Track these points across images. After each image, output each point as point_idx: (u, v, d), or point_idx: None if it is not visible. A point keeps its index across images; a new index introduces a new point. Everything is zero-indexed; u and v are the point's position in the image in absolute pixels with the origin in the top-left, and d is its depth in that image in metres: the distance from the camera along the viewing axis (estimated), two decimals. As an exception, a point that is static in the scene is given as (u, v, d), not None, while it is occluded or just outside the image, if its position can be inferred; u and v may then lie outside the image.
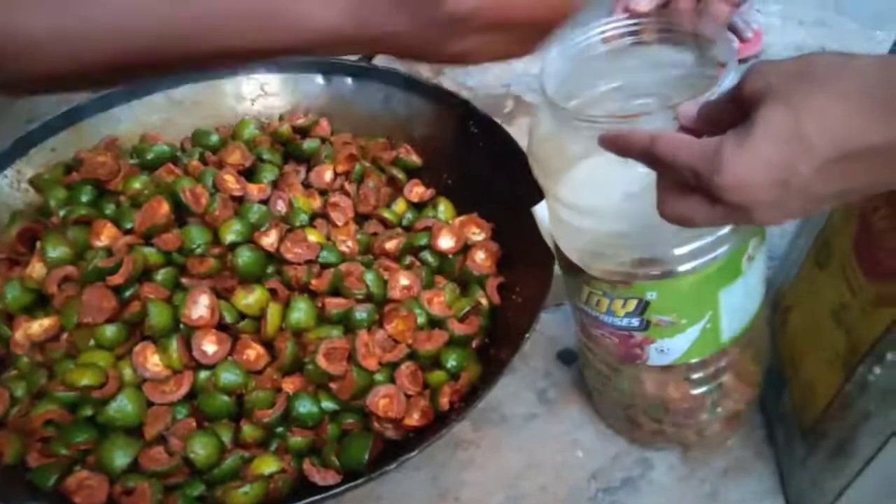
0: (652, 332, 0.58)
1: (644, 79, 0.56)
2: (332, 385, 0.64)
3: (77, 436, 0.60)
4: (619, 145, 0.45)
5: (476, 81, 1.16)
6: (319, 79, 0.89)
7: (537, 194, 0.72)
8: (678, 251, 0.53)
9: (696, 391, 0.65)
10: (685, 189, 0.42)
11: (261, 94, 0.90)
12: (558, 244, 0.60)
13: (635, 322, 0.57)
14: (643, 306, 0.56)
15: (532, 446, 0.73)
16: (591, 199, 0.53)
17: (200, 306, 0.65)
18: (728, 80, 0.47)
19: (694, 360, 0.61)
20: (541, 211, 0.61)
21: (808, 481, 0.65)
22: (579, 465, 0.71)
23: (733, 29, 1.08)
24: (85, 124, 0.83)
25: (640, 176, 0.47)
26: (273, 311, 0.66)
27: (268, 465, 0.60)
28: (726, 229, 0.53)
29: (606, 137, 0.46)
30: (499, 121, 0.83)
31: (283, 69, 0.90)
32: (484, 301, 0.72)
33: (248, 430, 0.62)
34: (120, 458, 0.58)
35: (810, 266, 0.66)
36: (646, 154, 0.43)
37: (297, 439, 0.62)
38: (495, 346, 0.69)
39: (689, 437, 0.69)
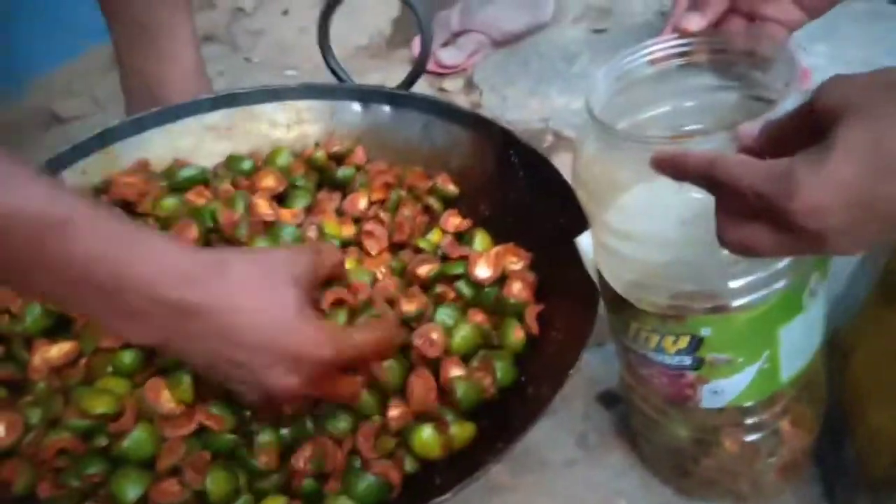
0: (705, 372, 0.54)
1: (694, 102, 0.54)
2: None
3: (89, 467, 0.57)
4: (674, 168, 0.42)
5: (514, 116, 1.15)
6: (357, 106, 0.87)
7: (581, 225, 0.69)
8: (734, 284, 0.50)
9: (750, 437, 0.60)
10: (747, 215, 0.39)
11: (296, 121, 0.88)
12: (603, 276, 0.57)
13: (687, 360, 0.53)
14: (696, 343, 0.52)
15: (572, 494, 0.68)
16: (641, 226, 0.50)
17: None
18: (790, 101, 0.44)
19: (749, 403, 0.57)
20: (584, 242, 0.58)
21: (872, 540, 0.60)
22: (622, 516, 0.67)
23: None
24: (117, 147, 0.82)
25: (696, 202, 0.45)
26: None
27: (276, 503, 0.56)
28: (787, 262, 0.49)
29: (660, 159, 0.43)
30: (538, 152, 0.80)
31: (320, 96, 0.88)
32: (521, 334, 0.69)
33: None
34: (132, 491, 0.55)
35: (876, 303, 0.62)
36: (705, 177, 0.40)
37: (308, 481, 0.59)
38: (533, 383, 0.65)
39: (741, 488, 0.65)
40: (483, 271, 0.71)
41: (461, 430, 0.61)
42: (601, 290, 0.59)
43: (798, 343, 0.55)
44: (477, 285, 0.71)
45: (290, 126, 0.88)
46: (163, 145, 0.84)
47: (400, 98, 0.87)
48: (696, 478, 0.64)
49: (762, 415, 0.59)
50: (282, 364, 0.49)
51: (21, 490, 0.57)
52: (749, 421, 0.59)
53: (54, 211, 0.43)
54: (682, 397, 0.57)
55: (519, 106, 1.16)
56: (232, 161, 0.83)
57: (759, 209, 0.38)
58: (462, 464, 0.59)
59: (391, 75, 1.20)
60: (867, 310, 0.63)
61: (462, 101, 1.19)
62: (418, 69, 0.88)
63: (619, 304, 0.55)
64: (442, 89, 1.22)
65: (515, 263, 0.73)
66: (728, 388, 0.55)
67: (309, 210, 0.78)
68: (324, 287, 0.64)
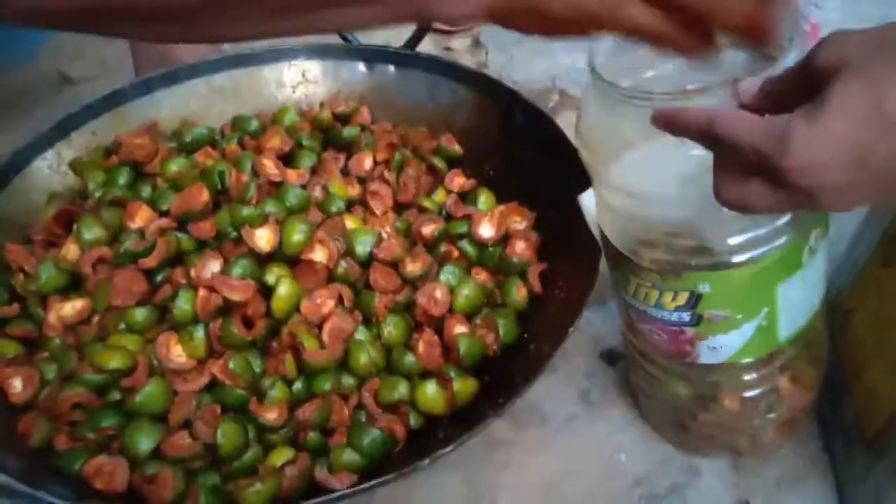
0: (704, 328, 0.55)
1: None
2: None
3: (104, 420, 0.58)
4: (674, 124, 0.42)
5: (521, 75, 1.14)
6: (362, 66, 0.87)
7: (584, 185, 0.69)
8: (734, 240, 0.50)
9: (749, 394, 0.61)
10: (745, 171, 0.39)
11: (302, 82, 0.88)
12: (605, 233, 0.57)
13: (686, 317, 0.54)
14: (695, 300, 0.53)
15: (573, 449, 0.70)
16: (642, 184, 0.50)
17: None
18: (791, 57, 0.44)
19: (747, 360, 0.58)
20: (587, 200, 0.59)
21: (869, 495, 0.61)
22: (622, 471, 0.68)
23: None
24: (126, 108, 0.82)
25: (696, 158, 0.45)
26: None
27: (283, 455, 0.58)
28: (786, 218, 0.50)
29: (660, 115, 0.43)
30: (543, 112, 0.80)
31: (325, 56, 0.88)
32: (523, 292, 0.70)
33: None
34: (144, 443, 0.57)
35: (876, 265, 0.62)
36: (704, 133, 0.40)
37: (313, 435, 0.60)
38: (535, 340, 0.66)
39: (740, 443, 0.66)
40: (486, 231, 0.71)
41: (464, 386, 0.62)
42: (603, 246, 0.59)
43: (797, 301, 0.56)
44: (480, 244, 0.72)
45: (295, 86, 0.88)
46: (171, 106, 0.84)
47: (405, 58, 0.87)
48: (694, 433, 0.65)
49: (760, 372, 0.60)
50: None
51: (38, 443, 0.59)
52: (747, 377, 0.60)
53: None
54: (680, 353, 0.58)
55: (525, 65, 1.16)
56: (239, 121, 0.84)
57: (756, 166, 0.38)
58: (464, 418, 0.60)
59: (396, 34, 1.19)
60: (868, 272, 0.63)
61: (468, 60, 1.19)
62: (423, 29, 0.88)
63: (620, 261, 0.56)
64: (448, 48, 1.22)
65: (519, 223, 0.74)
66: (726, 344, 0.56)
67: (314, 170, 0.78)
68: None
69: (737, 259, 0.50)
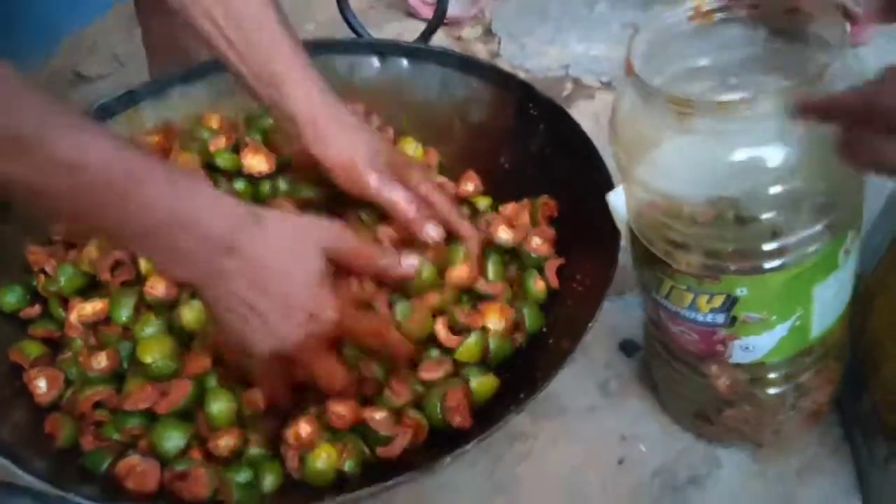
0: (738, 330, 0.55)
1: (733, 56, 0.53)
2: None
3: (129, 420, 0.59)
4: (829, 109, 0.42)
5: (533, 64, 1.14)
6: (375, 60, 0.87)
7: (603, 179, 0.69)
8: (771, 245, 0.50)
9: (775, 390, 0.61)
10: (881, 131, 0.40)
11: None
12: (637, 233, 0.57)
13: (721, 318, 0.54)
14: (731, 302, 0.53)
15: (592, 440, 0.70)
16: (678, 184, 0.50)
17: None
18: (839, 62, 0.44)
19: (777, 359, 0.58)
20: (615, 198, 0.58)
21: (889, 484, 0.61)
22: (642, 461, 0.68)
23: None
24: (141, 108, 0.83)
25: (731, 163, 0.45)
26: None
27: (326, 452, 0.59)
28: (824, 223, 0.50)
29: (805, 104, 0.43)
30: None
31: (338, 51, 0.88)
32: (541, 285, 0.70)
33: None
34: (173, 441, 0.58)
35: (894, 257, 0.62)
36: (869, 107, 0.40)
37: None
38: (554, 335, 0.66)
39: (763, 436, 0.66)
40: (504, 234, 0.72)
41: (484, 384, 0.62)
42: (632, 247, 0.59)
43: (830, 300, 0.56)
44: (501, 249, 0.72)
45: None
46: (185, 104, 0.84)
47: (418, 52, 0.87)
48: (718, 426, 0.66)
49: (789, 369, 0.60)
50: (295, 317, 0.54)
51: (64, 443, 0.60)
52: (774, 375, 0.60)
53: (121, 164, 0.48)
54: (711, 353, 0.58)
55: (538, 53, 1.15)
56: (251, 118, 0.84)
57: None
58: (485, 413, 0.61)
59: (407, 25, 1.20)
60: (885, 266, 0.63)
61: (480, 49, 1.19)
62: (435, 23, 0.88)
63: (652, 262, 0.56)
64: (459, 38, 1.21)
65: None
66: (759, 344, 0.56)
67: None
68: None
69: (776, 263, 0.51)
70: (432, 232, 0.66)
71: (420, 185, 0.68)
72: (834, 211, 0.50)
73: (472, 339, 0.64)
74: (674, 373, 0.64)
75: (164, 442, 0.57)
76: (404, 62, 0.87)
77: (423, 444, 0.61)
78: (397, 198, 0.66)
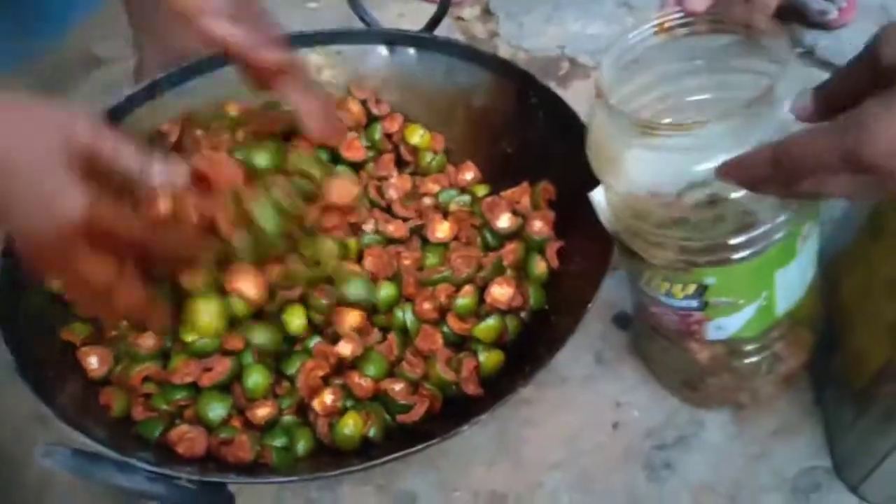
0: (710, 312, 0.61)
1: (697, 65, 0.58)
2: None
3: (176, 393, 0.65)
4: (743, 173, 0.45)
5: (531, 43, 1.18)
6: (383, 50, 0.92)
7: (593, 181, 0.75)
8: (734, 240, 0.55)
9: (751, 360, 0.68)
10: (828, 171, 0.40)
11: (326, 66, 0.93)
12: (616, 232, 0.62)
13: (694, 303, 0.60)
14: (702, 290, 0.59)
15: (590, 406, 0.77)
16: (647, 190, 0.54)
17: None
18: (783, 80, 0.48)
19: (749, 335, 0.64)
20: (597, 196, 0.63)
21: (855, 443, 0.68)
22: (634, 424, 0.75)
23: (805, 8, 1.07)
24: (163, 98, 0.87)
25: (698, 169, 0.50)
26: None
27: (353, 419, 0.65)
28: (783, 217, 0.55)
29: (726, 171, 0.46)
30: (553, 84, 0.85)
31: (348, 40, 0.92)
32: (543, 266, 0.76)
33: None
34: (216, 411, 0.64)
35: (863, 237, 0.68)
36: (777, 165, 0.42)
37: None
38: (556, 312, 0.73)
39: (741, 399, 0.73)
40: (504, 221, 0.77)
41: (491, 358, 0.69)
42: (615, 241, 0.64)
43: (792, 281, 0.62)
44: (500, 234, 0.78)
45: (320, 70, 0.93)
46: (203, 95, 0.88)
47: (425, 41, 0.91)
48: (702, 393, 0.72)
49: (761, 342, 0.67)
50: (35, 207, 0.49)
51: (118, 413, 0.66)
52: (749, 347, 0.67)
53: None
54: (689, 332, 0.64)
55: (535, 33, 1.19)
56: (269, 106, 0.88)
57: (839, 164, 0.39)
58: (493, 386, 0.68)
59: (409, 6, 1.23)
60: (857, 241, 0.69)
61: (479, 29, 1.22)
62: (441, 12, 0.92)
63: (632, 256, 0.62)
64: (460, 18, 1.25)
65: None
66: (730, 324, 0.62)
67: None
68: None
69: (740, 255, 0.56)
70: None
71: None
72: (793, 204, 0.54)
73: (492, 322, 0.70)
74: (660, 348, 0.71)
75: (208, 412, 0.64)
76: (412, 51, 0.91)
77: (438, 414, 0.67)
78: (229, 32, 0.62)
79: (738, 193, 0.51)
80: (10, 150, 0.48)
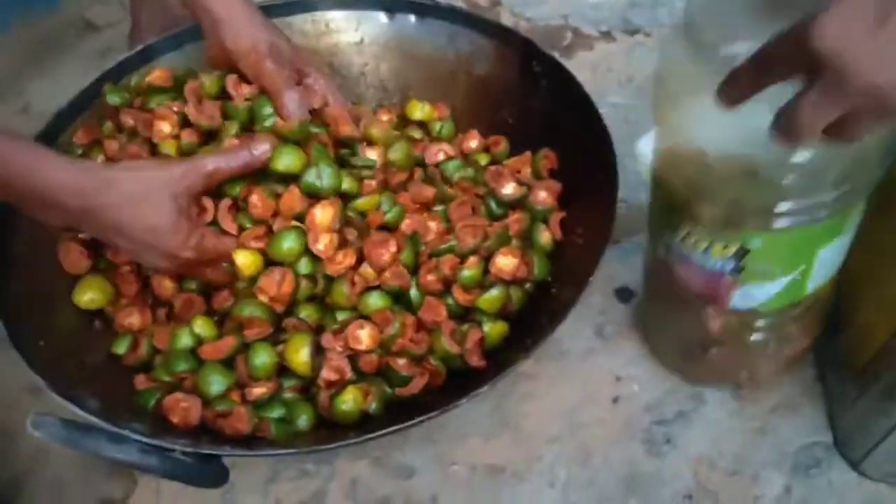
0: (743, 278, 0.59)
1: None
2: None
3: (179, 364, 0.65)
4: (732, 85, 0.44)
5: (534, 12, 1.16)
6: (383, 16, 0.90)
7: (601, 136, 0.73)
8: (786, 206, 0.53)
9: (760, 336, 0.67)
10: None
11: (325, 32, 0.91)
12: (661, 180, 0.60)
13: (730, 266, 0.58)
14: (743, 253, 0.57)
15: (589, 380, 0.76)
16: (711, 135, 0.52)
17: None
18: None
19: (773, 308, 0.62)
20: (644, 144, 0.60)
21: (856, 420, 0.68)
22: (634, 399, 0.75)
23: None
24: (158, 63, 0.85)
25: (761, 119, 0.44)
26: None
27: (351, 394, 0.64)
28: (839, 191, 0.52)
29: (723, 94, 0.45)
30: (557, 54, 0.83)
31: (348, 6, 0.90)
32: (547, 236, 0.74)
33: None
34: (216, 385, 0.63)
35: (871, 213, 0.67)
36: (754, 67, 0.42)
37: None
38: (557, 284, 0.71)
39: (741, 378, 0.72)
40: (509, 189, 0.76)
41: (495, 329, 0.68)
42: (654, 192, 0.62)
43: (830, 260, 0.60)
44: (504, 202, 0.76)
45: (319, 37, 0.91)
46: (198, 58, 0.86)
47: (425, 8, 0.89)
48: (701, 366, 0.72)
49: (779, 318, 0.65)
50: (160, 255, 0.63)
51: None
52: (762, 322, 0.65)
53: None
54: (713, 297, 0.62)
55: (538, 2, 1.17)
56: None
57: (797, 59, 0.39)
58: (495, 358, 0.67)
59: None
60: (861, 222, 0.68)
61: (483, -1, 1.20)
62: (442, -22, 0.90)
63: (672, 207, 0.59)
64: (463, -14, 1.23)
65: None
66: (759, 294, 0.60)
67: None
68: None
69: (792, 221, 0.54)
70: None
71: (311, 77, 0.77)
72: (849, 182, 0.53)
73: (496, 293, 0.68)
74: (670, 316, 0.69)
75: (208, 386, 0.63)
76: (412, 18, 0.89)
77: (441, 386, 0.66)
78: (281, 87, 0.73)
79: (787, 180, 0.50)
80: (131, 222, 0.61)
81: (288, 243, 0.66)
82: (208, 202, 0.67)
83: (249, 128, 0.73)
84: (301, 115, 0.73)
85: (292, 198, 0.68)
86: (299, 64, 0.77)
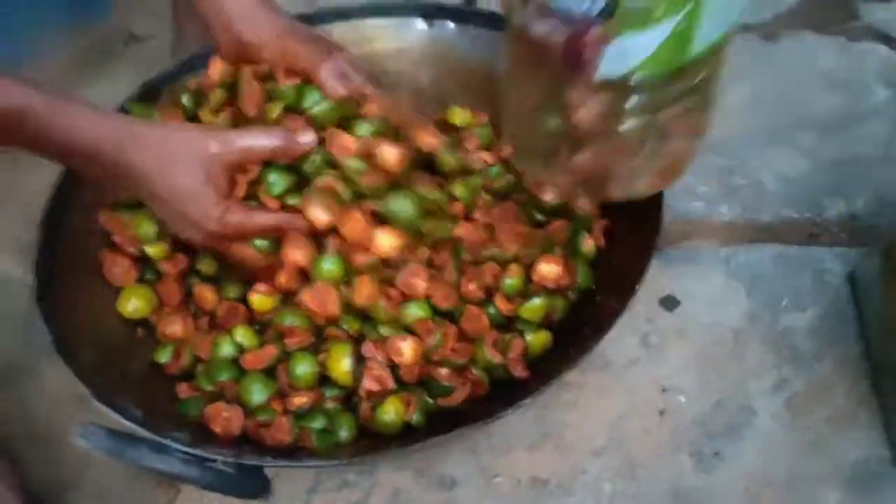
0: (617, 24, 0.49)
1: None
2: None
3: (221, 374, 0.65)
4: None
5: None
6: (421, 23, 0.89)
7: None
8: None
9: (634, 122, 0.58)
10: None
11: (363, 40, 0.90)
12: None
13: (600, 4, 0.49)
14: None
15: (634, 390, 0.75)
16: None
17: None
18: None
19: (653, 73, 0.53)
20: None
21: (917, 434, 0.65)
22: (681, 411, 0.73)
23: None
24: (200, 73, 0.85)
25: None
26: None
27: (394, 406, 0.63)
28: None
29: None
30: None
31: (385, 14, 0.90)
32: (590, 244, 0.73)
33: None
34: (257, 395, 0.63)
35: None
36: None
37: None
38: (601, 293, 0.70)
39: (614, 189, 0.66)
40: (550, 196, 0.74)
41: (538, 339, 0.66)
42: None
43: (719, 7, 0.51)
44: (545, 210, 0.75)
45: (357, 45, 0.91)
46: None
47: (464, 14, 0.88)
48: (566, 169, 0.65)
49: (654, 95, 0.56)
50: (187, 224, 0.62)
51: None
52: (636, 100, 0.56)
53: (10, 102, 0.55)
54: (579, 60, 0.52)
55: (578, 7, 1.16)
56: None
57: None
58: (538, 368, 0.65)
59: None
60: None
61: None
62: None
63: None
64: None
65: None
66: (636, 47, 0.51)
67: None
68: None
69: None
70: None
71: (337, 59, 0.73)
72: None
73: (539, 302, 0.67)
74: (529, 109, 0.62)
75: (249, 395, 0.63)
76: (451, 25, 0.89)
77: (486, 395, 0.65)
78: (317, 58, 0.70)
79: None
80: (159, 181, 0.60)
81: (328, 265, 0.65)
82: (241, 177, 0.63)
83: (295, 111, 0.71)
84: (342, 87, 0.70)
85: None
86: (323, 45, 0.74)
